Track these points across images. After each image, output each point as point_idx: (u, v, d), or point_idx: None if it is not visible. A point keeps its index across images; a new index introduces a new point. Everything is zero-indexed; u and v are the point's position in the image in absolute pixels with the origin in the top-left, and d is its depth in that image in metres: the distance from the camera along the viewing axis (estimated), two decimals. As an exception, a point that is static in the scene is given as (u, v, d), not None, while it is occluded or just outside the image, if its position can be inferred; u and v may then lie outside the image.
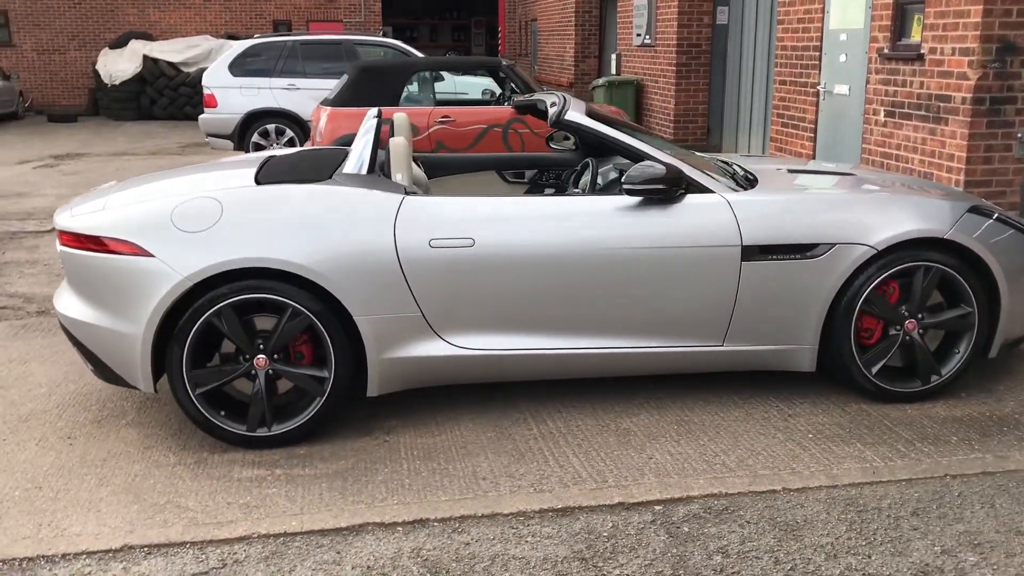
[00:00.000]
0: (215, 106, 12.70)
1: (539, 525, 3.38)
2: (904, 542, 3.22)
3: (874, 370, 4.31)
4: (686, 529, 3.34)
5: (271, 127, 12.60)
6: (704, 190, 4.21)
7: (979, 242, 4.26)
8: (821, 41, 8.79)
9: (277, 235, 3.88)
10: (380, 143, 4.41)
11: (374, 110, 5.21)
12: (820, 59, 8.83)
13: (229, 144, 12.70)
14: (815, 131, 8.98)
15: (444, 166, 5.58)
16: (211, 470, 3.83)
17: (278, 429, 3.99)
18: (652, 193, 4.06)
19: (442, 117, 10.20)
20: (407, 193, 4.11)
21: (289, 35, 13.28)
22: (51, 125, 20.85)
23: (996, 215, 4.43)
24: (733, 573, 3.06)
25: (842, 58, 8.45)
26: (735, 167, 4.87)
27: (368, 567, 3.14)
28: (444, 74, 12.98)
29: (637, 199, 4.13)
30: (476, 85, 12.72)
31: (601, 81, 13.96)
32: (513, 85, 10.54)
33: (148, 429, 4.24)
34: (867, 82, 7.96)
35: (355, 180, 4.15)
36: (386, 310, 3.97)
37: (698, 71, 12.66)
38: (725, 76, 12.57)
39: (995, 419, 4.20)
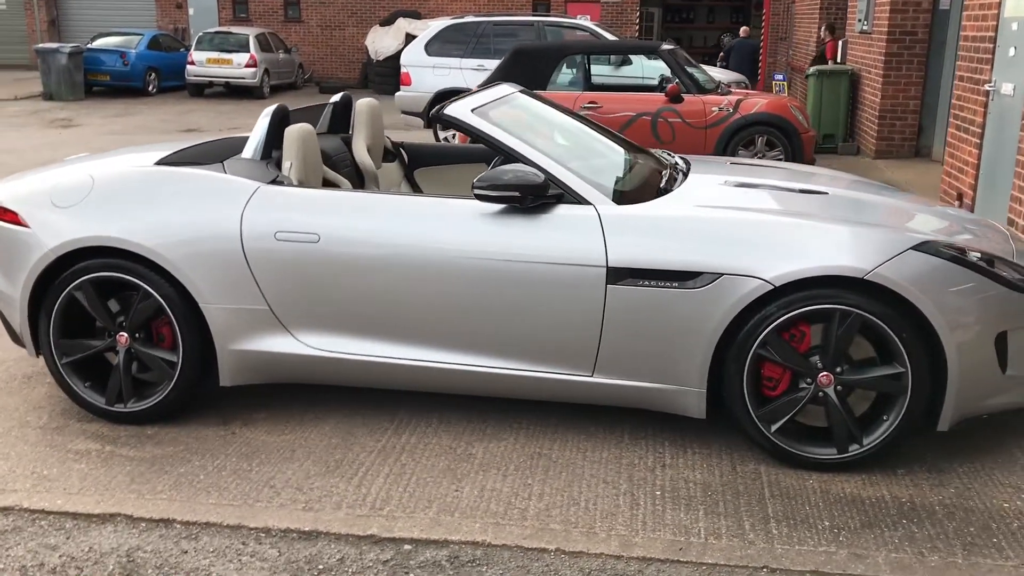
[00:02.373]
0: (409, 84, 13.10)
1: (269, 545, 3.18)
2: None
3: (774, 427, 3.62)
4: (411, 576, 3.01)
5: (457, 106, 12.81)
6: (581, 201, 3.72)
7: (918, 288, 3.42)
8: (996, 31, 7.48)
9: (129, 215, 3.91)
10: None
11: (336, 96, 5.13)
12: (993, 53, 7.52)
13: (420, 122, 13.06)
14: (981, 137, 7.68)
15: (434, 156, 5.37)
16: (57, 437, 3.97)
17: (134, 406, 4.05)
18: (502, 200, 3.65)
19: (589, 103, 9.86)
20: (274, 182, 3.99)
21: (486, 16, 13.39)
22: (319, 96, 22.58)
23: (960, 258, 3.53)
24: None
25: (1011, 52, 7.14)
26: (667, 176, 4.26)
27: (73, 558, 3.11)
28: (632, 58, 12.52)
29: (500, 205, 3.74)
30: (658, 70, 12.13)
31: (812, 70, 12.82)
32: (671, 71, 9.94)
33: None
34: (1027, 81, 6.68)
35: (236, 165, 4.10)
36: (233, 300, 3.89)
37: (911, 62, 11.25)
38: (942, 69, 11.08)
39: (907, 507, 3.39)
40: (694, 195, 3.94)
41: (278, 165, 4.21)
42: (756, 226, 3.60)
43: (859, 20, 12.68)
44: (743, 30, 17.56)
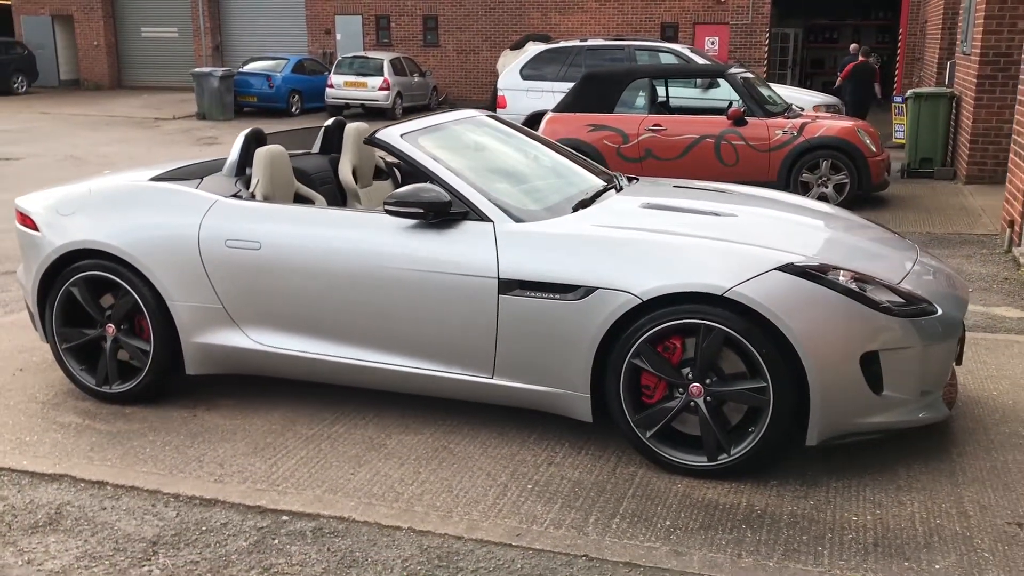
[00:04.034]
0: (505, 107, 13.63)
1: (172, 508, 3.68)
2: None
3: (649, 432, 3.85)
4: (276, 542, 3.44)
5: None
6: (483, 217, 4.08)
7: (776, 306, 3.59)
8: (1043, 55, 7.28)
9: (113, 223, 4.53)
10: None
11: (332, 120, 5.66)
12: (1040, 76, 7.32)
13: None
14: (1028, 163, 7.47)
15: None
16: (51, 412, 4.63)
17: (118, 388, 4.67)
18: (408, 215, 4.06)
19: (653, 125, 10.10)
20: (235, 196, 4.53)
21: (579, 41, 13.76)
22: (450, 117, 23.48)
23: (824, 279, 3.66)
24: (229, 587, 3.15)
25: (1051, 76, 6.95)
26: (591, 196, 4.52)
27: (13, 506, 3.71)
28: (720, 81, 12.59)
29: (414, 220, 4.13)
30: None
31: (909, 93, 12.53)
32: (737, 94, 10.06)
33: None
34: (1057, 107, 6.51)
35: (211, 182, 4.68)
36: (193, 299, 4.45)
37: (1006, 85, 10.86)
38: (1037, 92, 10.64)
39: (755, 515, 3.55)
40: (599, 215, 4.22)
41: (249, 182, 4.76)
42: (633, 244, 3.86)
43: (962, 41, 12.32)
44: (852, 47, 17.24)
